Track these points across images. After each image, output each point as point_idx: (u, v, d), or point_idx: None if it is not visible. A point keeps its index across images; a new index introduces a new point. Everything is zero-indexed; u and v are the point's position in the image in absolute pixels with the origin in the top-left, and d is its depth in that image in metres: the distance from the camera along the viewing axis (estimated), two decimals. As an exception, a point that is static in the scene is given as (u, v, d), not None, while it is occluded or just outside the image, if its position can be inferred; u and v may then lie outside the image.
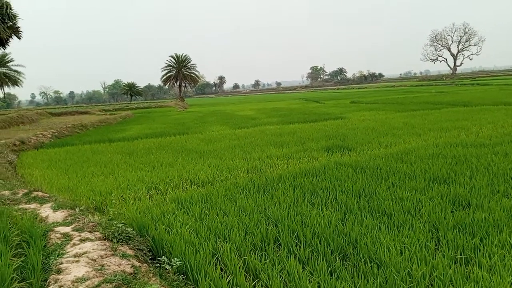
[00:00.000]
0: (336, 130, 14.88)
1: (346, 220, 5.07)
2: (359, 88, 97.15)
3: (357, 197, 5.97)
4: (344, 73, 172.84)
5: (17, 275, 3.43)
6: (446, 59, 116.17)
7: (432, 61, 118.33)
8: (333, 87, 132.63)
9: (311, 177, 7.32)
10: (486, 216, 4.91)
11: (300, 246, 4.34)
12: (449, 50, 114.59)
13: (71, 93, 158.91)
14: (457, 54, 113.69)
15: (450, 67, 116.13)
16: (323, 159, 9.42)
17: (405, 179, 6.86)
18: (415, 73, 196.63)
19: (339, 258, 4.07)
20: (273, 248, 4.37)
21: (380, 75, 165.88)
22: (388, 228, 4.74)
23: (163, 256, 4.13)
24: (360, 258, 4.02)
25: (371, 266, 3.82)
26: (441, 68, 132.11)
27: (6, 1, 21.80)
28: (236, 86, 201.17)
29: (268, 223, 5.13)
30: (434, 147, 9.75)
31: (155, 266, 4.07)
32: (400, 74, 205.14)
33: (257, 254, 4.23)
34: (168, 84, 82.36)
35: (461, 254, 4.08)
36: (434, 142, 10.58)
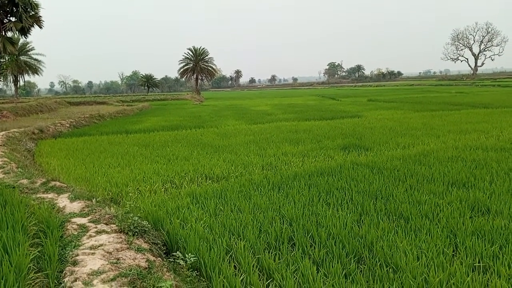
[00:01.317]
0: (352, 128, 14.74)
1: (362, 222, 5.01)
2: (377, 86, 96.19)
3: (373, 199, 5.89)
4: (362, 70, 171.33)
5: (34, 265, 3.46)
6: (467, 59, 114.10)
7: (453, 60, 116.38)
8: (350, 84, 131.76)
9: (326, 176, 7.26)
10: (506, 223, 4.80)
11: (314, 247, 4.30)
12: (470, 49, 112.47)
13: (90, 83, 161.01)
14: (478, 54, 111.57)
15: (471, 67, 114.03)
16: (339, 158, 9.32)
17: (423, 182, 6.75)
18: (434, 72, 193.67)
19: (354, 261, 4.02)
20: (287, 248, 4.35)
21: (399, 73, 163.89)
22: (405, 232, 4.66)
23: (178, 251, 4.13)
24: (376, 261, 3.96)
25: (387, 270, 3.76)
26: (462, 68, 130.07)
27: (29, -10, 22.11)
28: (252, 81, 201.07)
29: (283, 221, 5.10)
30: (454, 149, 9.58)
31: (169, 260, 4.08)
32: (420, 73, 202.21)
33: (271, 253, 4.21)
34: (185, 77, 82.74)
35: (479, 262, 3.98)
36: (453, 145, 10.38)
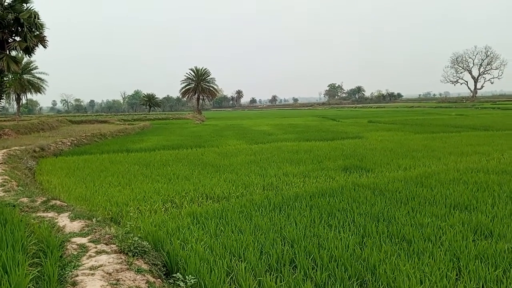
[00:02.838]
0: (353, 149, 14.76)
1: (364, 244, 4.96)
2: (377, 108, 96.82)
3: (375, 221, 5.85)
4: (362, 92, 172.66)
5: (33, 285, 3.42)
6: (466, 82, 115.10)
7: (453, 83, 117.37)
8: (350, 105, 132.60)
9: (328, 197, 7.23)
10: (510, 247, 4.75)
11: (316, 269, 4.25)
12: (470, 72, 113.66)
13: (92, 101, 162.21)
14: (478, 77, 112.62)
15: (470, 89, 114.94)
16: (340, 179, 9.31)
17: (425, 204, 6.72)
18: (434, 94, 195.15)
19: (356, 284, 3.97)
20: (289, 270, 4.29)
21: (399, 95, 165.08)
22: (407, 255, 4.61)
23: (178, 273, 4.09)
24: (379, 285, 3.91)
25: (390, 294, 3.71)
26: (461, 90, 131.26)
27: (34, 11, 22.47)
28: (253, 101, 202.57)
29: (284, 243, 5.06)
30: (455, 172, 9.56)
31: (169, 282, 4.03)
32: (419, 95, 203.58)
33: (273, 275, 4.16)
34: (186, 97, 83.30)
35: (483, 286, 3.94)
36: (454, 167, 10.37)
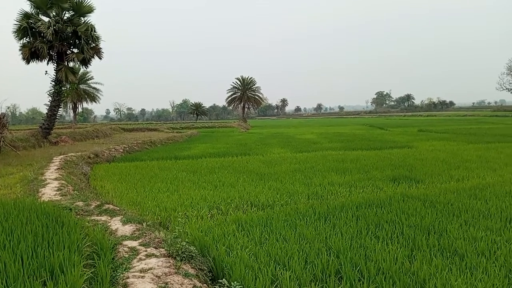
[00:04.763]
0: (402, 159, 14.33)
1: (414, 257, 4.80)
2: (427, 116, 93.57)
3: (426, 234, 5.65)
4: (412, 100, 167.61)
5: (86, 285, 3.60)
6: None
7: (509, 90, 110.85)
8: (399, 113, 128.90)
9: (375, 208, 7.07)
10: None
11: (363, 282, 4.17)
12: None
13: (142, 110, 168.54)
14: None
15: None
16: (388, 190, 9.07)
17: (479, 218, 6.41)
18: (489, 103, 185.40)
19: (405, 298, 3.85)
20: (334, 281, 4.23)
21: (451, 103, 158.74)
22: (460, 270, 4.42)
23: (223, 279, 4.15)
24: (429, 300, 3.77)
25: (440, 310, 3.57)
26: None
27: (91, 24, 23.76)
28: (298, 109, 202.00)
29: (330, 253, 4.99)
30: (511, 184, 9.04)
31: (215, 287, 4.10)
32: (473, 103, 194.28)
33: (318, 286, 4.12)
34: (232, 105, 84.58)
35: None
36: (511, 179, 9.81)
